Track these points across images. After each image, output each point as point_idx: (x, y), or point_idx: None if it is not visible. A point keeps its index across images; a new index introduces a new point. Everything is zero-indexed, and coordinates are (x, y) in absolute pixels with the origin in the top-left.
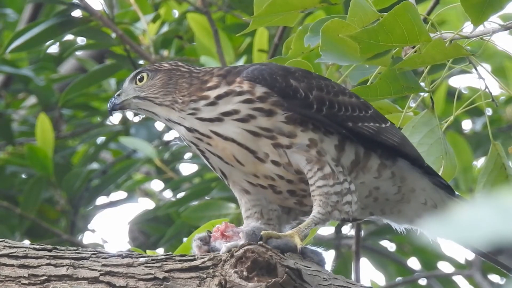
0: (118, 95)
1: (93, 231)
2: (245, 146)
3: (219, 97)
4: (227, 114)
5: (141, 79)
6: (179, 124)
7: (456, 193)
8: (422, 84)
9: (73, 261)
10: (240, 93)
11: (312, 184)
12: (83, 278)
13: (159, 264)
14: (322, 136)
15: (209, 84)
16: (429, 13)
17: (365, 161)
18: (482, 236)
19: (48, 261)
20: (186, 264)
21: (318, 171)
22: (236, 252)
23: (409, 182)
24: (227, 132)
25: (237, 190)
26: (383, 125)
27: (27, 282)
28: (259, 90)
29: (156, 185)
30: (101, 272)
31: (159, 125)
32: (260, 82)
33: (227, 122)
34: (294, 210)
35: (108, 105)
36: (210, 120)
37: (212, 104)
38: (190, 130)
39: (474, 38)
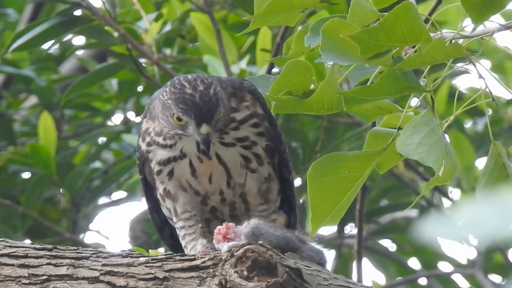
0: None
1: (97, 231)
2: (230, 172)
3: (241, 122)
4: (240, 140)
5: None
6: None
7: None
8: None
9: (73, 260)
10: (251, 116)
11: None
12: (83, 278)
13: (159, 263)
14: (275, 177)
15: (232, 105)
16: (431, 12)
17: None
18: (482, 235)
19: (48, 261)
20: (187, 264)
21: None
22: (236, 251)
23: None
24: (226, 156)
25: (173, 185)
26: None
27: (27, 281)
28: (259, 111)
29: None
30: (101, 271)
31: None
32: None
33: (236, 148)
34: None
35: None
36: (226, 145)
37: (235, 129)
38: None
39: (475, 38)
